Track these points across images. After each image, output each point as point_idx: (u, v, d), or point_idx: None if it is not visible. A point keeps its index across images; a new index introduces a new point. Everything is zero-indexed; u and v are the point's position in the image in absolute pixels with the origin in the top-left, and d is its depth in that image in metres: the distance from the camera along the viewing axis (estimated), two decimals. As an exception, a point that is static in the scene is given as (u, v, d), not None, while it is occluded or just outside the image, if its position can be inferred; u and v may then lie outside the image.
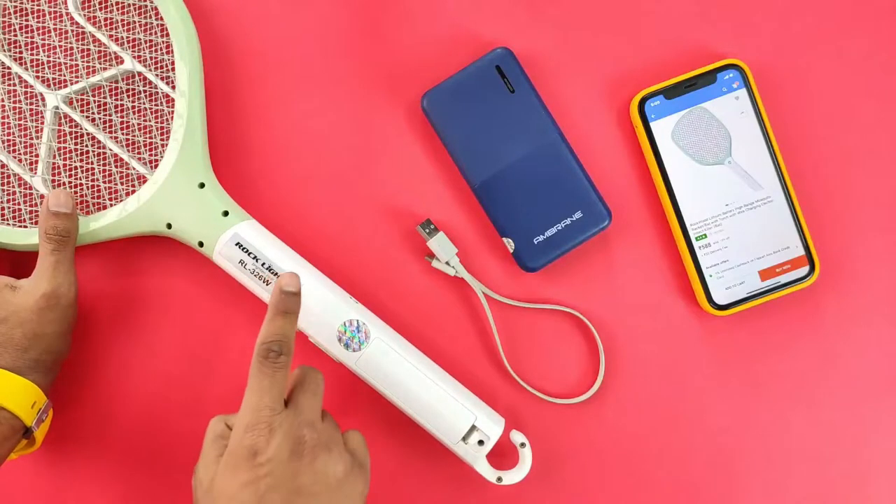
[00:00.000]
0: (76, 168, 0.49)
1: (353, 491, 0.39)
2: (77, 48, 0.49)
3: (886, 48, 0.50)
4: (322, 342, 0.45)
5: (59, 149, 0.49)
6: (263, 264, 0.45)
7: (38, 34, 0.49)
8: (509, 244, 0.48)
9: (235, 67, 0.50)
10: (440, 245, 0.48)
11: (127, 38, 0.49)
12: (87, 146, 0.49)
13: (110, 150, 0.48)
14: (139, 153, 0.49)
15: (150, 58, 0.49)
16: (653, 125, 0.48)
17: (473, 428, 0.44)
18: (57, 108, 0.48)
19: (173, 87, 0.48)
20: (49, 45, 0.49)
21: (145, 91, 0.49)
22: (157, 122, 0.49)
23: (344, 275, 0.48)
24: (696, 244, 0.48)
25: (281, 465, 0.37)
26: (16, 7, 0.49)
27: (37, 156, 0.49)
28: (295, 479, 0.37)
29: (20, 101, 0.49)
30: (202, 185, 0.46)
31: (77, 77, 0.49)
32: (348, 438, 0.41)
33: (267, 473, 0.36)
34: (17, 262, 0.49)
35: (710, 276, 0.48)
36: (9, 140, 0.49)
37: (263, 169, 0.50)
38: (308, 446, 0.38)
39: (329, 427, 0.40)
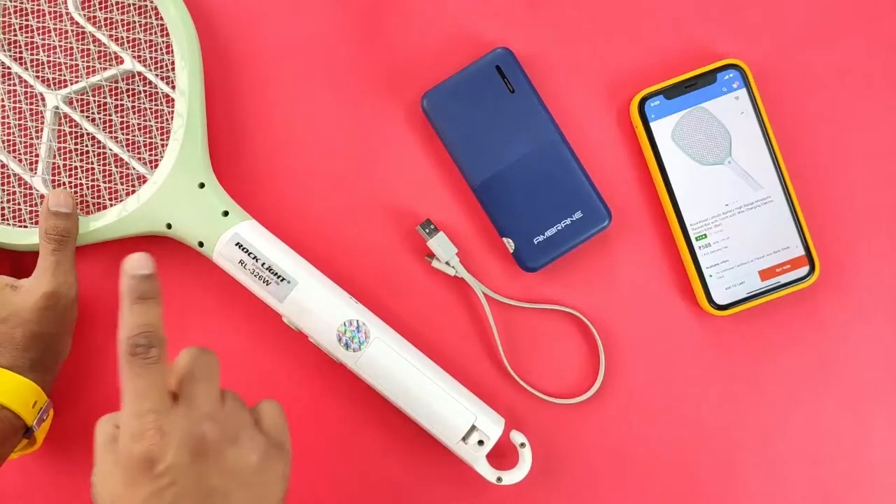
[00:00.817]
0: (76, 168, 0.49)
1: (272, 475, 0.35)
2: (77, 48, 0.49)
3: (886, 48, 0.50)
4: (322, 342, 0.45)
5: (59, 149, 0.49)
6: (263, 264, 0.45)
7: (38, 34, 0.49)
8: (509, 244, 0.48)
9: (235, 67, 0.50)
10: (440, 245, 0.48)
11: (127, 37, 0.49)
12: (87, 146, 0.49)
13: (110, 150, 0.48)
14: (139, 153, 0.49)
15: (150, 58, 0.49)
16: (653, 125, 0.48)
17: (473, 428, 0.44)
18: (57, 108, 0.48)
19: (173, 87, 0.48)
20: (49, 45, 0.49)
21: (145, 91, 0.49)
22: (157, 122, 0.49)
23: (344, 275, 0.48)
24: (696, 244, 0.48)
25: (183, 470, 0.32)
26: (16, 7, 0.49)
27: (37, 156, 0.49)
28: (202, 481, 0.33)
29: (20, 101, 0.49)
30: (202, 185, 0.46)
31: (77, 77, 0.49)
32: (262, 414, 0.37)
33: (170, 483, 0.32)
34: (18, 262, 0.49)
35: (710, 276, 0.48)
36: (9, 140, 0.49)
37: (263, 169, 0.50)
38: (211, 443, 0.33)
39: (232, 411, 0.35)
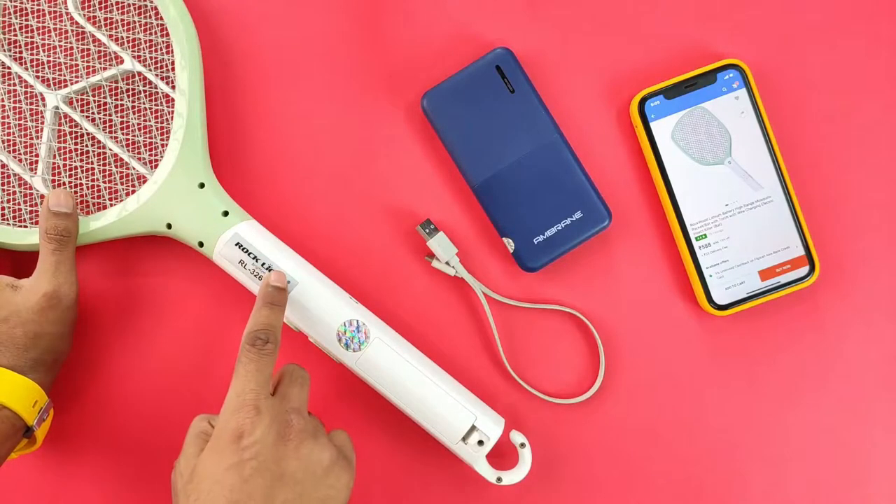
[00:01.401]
0: (76, 168, 0.49)
1: (338, 482, 0.39)
2: (77, 48, 0.49)
3: (886, 48, 0.50)
4: (322, 342, 0.45)
5: (59, 149, 0.49)
6: (263, 264, 0.45)
7: (38, 34, 0.49)
8: (509, 244, 0.48)
9: (235, 67, 0.50)
10: (440, 245, 0.48)
11: (127, 37, 0.49)
12: (87, 146, 0.49)
13: (110, 150, 0.48)
14: (139, 153, 0.49)
15: (150, 58, 0.49)
16: (653, 125, 0.48)
17: (473, 428, 0.44)
18: (57, 107, 0.48)
19: (173, 87, 0.48)
20: (49, 45, 0.49)
21: (145, 91, 0.49)
22: (157, 122, 0.49)
23: (344, 275, 0.48)
24: (696, 244, 0.48)
25: (266, 448, 0.37)
26: (16, 7, 0.49)
27: (37, 156, 0.49)
28: (280, 463, 0.37)
29: (20, 101, 0.49)
30: (202, 185, 0.46)
31: (77, 77, 0.49)
32: (334, 436, 0.41)
33: (252, 456, 0.36)
34: (18, 262, 0.49)
35: (710, 276, 0.48)
36: (9, 140, 0.49)
37: (263, 169, 0.50)
38: (295, 431, 0.38)
39: (314, 419, 0.41)
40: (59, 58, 0.49)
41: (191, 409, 0.49)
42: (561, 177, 0.48)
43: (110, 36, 0.49)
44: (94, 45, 0.49)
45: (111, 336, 0.49)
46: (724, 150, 0.48)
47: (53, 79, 0.49)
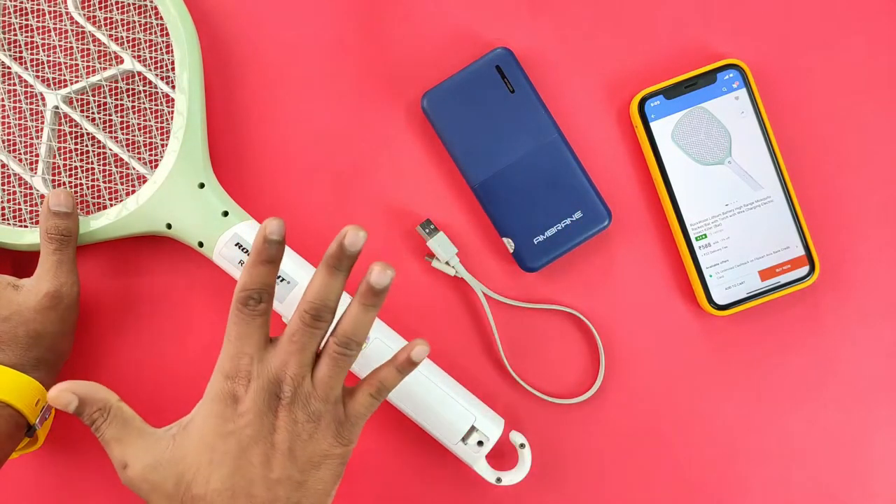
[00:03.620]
0: (76, 168, 0.49)
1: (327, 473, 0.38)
2: (77, 48, 0.49)
3: (886, 48, 0.50)
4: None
5: (59, 148, 0.49)
6: (263, 264, 0.45)
7: (38, 34, 0.49)
8: (509, 244, 0.48)
9: (235, 67, 0.50)
10: (440, 245, 0.48)
11: (127, 37, 0.49)
12: (87, 146, 0.49)
13: (110, 149, 0.48)
14: (139, 153, 0.49)
15: (150, 57, 0.49)
16: (653, 125, 0.48)
17: (473, 429, 0.44)
18: (57, 107, 0.48)
19: (173, 87, 0.48)
20: (49, 44, 0.49)
21: (145, 91, 0.49)
22: (156, 122, 0.49)
23: (344, 275, 0.48)
24: (696, 244, 0.48)
25: (259, 417, 0.36)
26: (16, 7, 0.49)
27: (37, 155, 0.49)
28: (272, 434, 0.37)
29: (20, 101, 0.49)
30: (202, 185, 0.46)
31: (77, 77, 0.49)
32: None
33: (246, 424, 0.36)
34: (18, 262, 0.49)
35: (710, 276, 0.48)
36: (9, 140, 0.49)
37: (263, 169, 0.50)
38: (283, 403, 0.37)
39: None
40: (59, 58, 0.49)
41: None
42: (561, 177, 0.48)
43: (110, 36, 0.49)
44: (94, 45, 0.49)
45: (111, 336, 0.50)
46: (724, 150, 0.48)
47: (53, 79, 0.49)
